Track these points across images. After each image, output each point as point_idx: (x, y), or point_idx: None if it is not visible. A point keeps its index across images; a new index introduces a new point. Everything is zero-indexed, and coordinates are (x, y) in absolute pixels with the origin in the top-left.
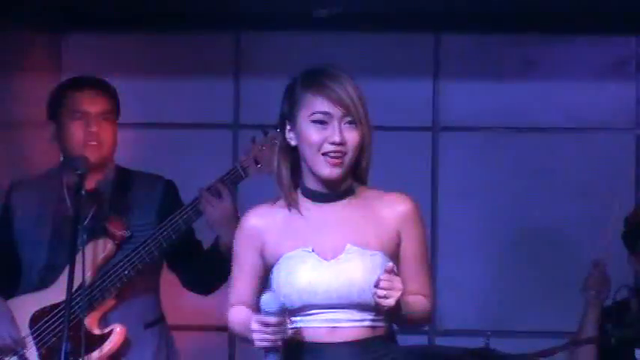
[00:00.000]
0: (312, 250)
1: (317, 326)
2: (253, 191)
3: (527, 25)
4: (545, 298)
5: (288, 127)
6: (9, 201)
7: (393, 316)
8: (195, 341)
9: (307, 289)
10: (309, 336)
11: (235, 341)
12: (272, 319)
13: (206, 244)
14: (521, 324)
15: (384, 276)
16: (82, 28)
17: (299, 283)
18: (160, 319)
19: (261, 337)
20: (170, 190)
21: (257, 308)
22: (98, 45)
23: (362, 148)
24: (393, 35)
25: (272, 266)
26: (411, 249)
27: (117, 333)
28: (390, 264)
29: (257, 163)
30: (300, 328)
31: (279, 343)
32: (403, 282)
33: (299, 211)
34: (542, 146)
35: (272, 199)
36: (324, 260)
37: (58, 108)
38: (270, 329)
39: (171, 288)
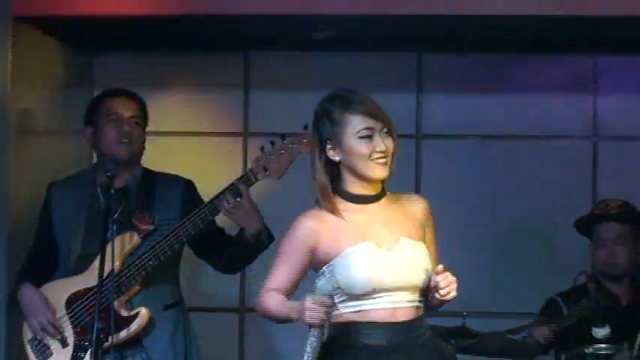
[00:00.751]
0: (374, 244)
1: (381, 307)
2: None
3: (499, 46)
4: (515, 282)
5: (329, 147)
6: (49, 199)
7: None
8: (209, 321)
9: (375, 276)
10: (374, 317)
11: (245, 321)
12: (327, 300)
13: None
14: (494, 306)
15: (440, 277)
16: (112, 48)
17: (367, 271)
18: (179, 302)
19: (312, 315)
20: (190, 189)
21: (289, 295)
22: (125, 63)
23: (394, 157)
24: (382, 55)
25: (329, 260)
26: (430, 237)
27: (142, 315)
28: (440, 266)
29: (265, 169)
30: (364, 310)
31: (326, 322)
32: None
33: (342, 214)
34: (511, 151)
35: (314, 206)
36: (386, 251)
37: (95, 113)
38: (321, 309)
39: (189, 274)
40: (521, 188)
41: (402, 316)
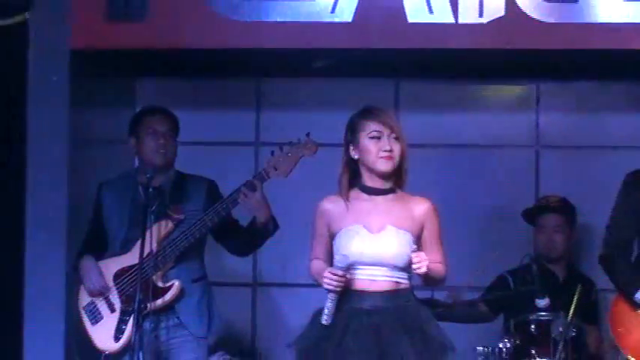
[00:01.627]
0: (363, 227)
1: (362, 278)
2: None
3: (461, 73)
4: (475, 262)
5: (351, 147)
6: (100, 195)
7: (427, 279)
8: (227, 294)
9: (357, 252)
10: (356, 286)
11: (257, 294)
12: (339, 272)
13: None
14: (457, 281)
15: (413, 255)
16: (149, 74)
17: (353, 247)
18: (204, 277)
19: (328, 282)
20: (212, 187)
21: (328, 261)
22: (160, 86)
23: (402, 160)
24: (368, 80)
25: (334, 236)
26: (429, 233)
27: (175, 287)
28: (414, 246)
29: (275, 169)
30: (351, 280)
31: (339, 289)
32: (427, 255)
33: (351, 201)
34: (471, 157)
35: (335, 193)
36: (371, 233)
37: (136, 127)
38: (335, 278)
39: (211, 255)
40: (477, 188)
41: (380, 287)
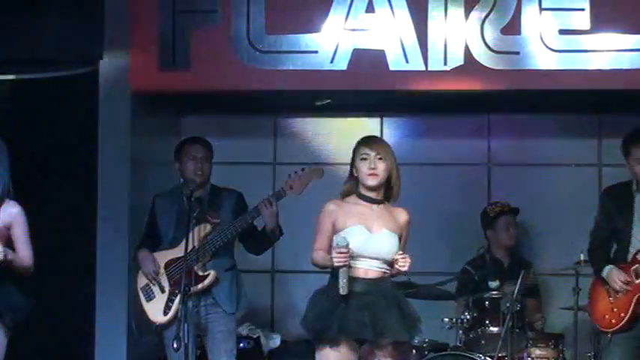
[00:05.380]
0: (365, 227)
1: (360, 267)
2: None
3: (430, 108)
4: (441, 252)
5: (354, 168)
6: (154, 204)
7: (399, 273)
8: (251, 279)
9: (359, 247)
10: (355, 273)
11: (275, 280)
12: (343, 249)
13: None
14: (430, 267)
15: (399, 256)
16: (191, 110)
17: (355, 243)
18: (234, 266)
19: (338, 259)
20: (240, 198)
21: (329, 252)
22: (199, 119)
23: (391, 179)
24: (359, 117)
25: (339, 231)
26: (404, 238)
27: (212, 275)
28: (401, 251)
29: (291, 188)
30: (352, 268)
31: (347, 263)
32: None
33: (352, 205)
34: (435, 173)
35: (339, 196)
36: (370, 233)
37: (179, 153)
38: (342, 254)
39: (241, 249)
40: (442, 195)
41: (373, 275)
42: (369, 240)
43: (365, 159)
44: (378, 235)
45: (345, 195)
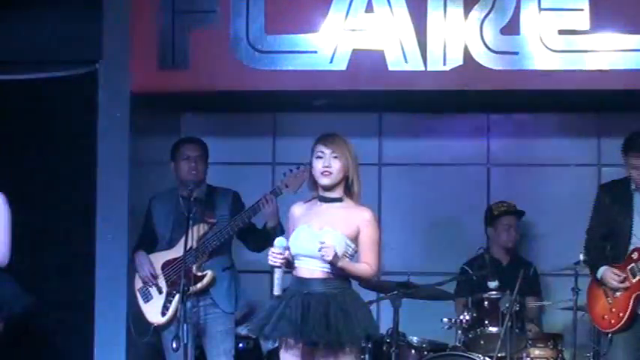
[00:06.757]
0: (308, 226)
1: (302, 267)
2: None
3: (429, 108)
4: (439, 253)
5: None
6: (150, 205)
7: (345, 273)
8: (249, 279)
9: (301, 247)
10: (299, 273)
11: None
12: (277, 250)
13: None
14: (429, 267)
15: (321, 244)
16: (190, 110)
17: (299, 241)
18: (232, 266)
19: (271, 259)
20: (236, 197)
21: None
22: (198, 119)
23: (349, 177)
24: (356, 113)
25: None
26: (363, 238)
27: (209, 275)
28: (322, 240)
29: (287, 186)
30: (296, 268)
31: (280, 265)
32: (359, 256)
33: (310, 207)
34: (435, 173)
35: (303, 200)
36: (315, 232)
37: (175, 154)
38: (276, 255)
39: (238, 249)
40: (441, 196)
41: (320, 276)
42: (312, 239)
43: (320, 157)
44: (320, 233)
45: (314, 196)
